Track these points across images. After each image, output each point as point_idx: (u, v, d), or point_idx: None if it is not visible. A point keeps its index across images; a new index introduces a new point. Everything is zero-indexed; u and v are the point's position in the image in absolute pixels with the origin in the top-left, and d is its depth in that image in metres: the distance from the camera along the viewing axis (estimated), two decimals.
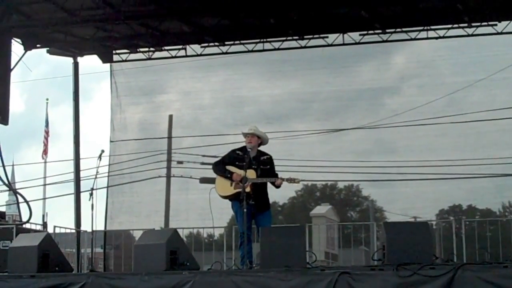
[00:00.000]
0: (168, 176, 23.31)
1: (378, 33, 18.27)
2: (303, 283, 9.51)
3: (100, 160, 13.19)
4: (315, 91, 21.99)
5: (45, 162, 31.72)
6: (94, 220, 12.81)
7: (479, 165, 19.96)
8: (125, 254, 18.92)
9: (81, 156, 20.21)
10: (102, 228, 19.96)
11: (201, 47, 19.46)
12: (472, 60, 20.02)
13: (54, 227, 17.76)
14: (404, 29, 18.15)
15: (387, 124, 21.03)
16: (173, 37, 19.04)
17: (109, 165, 21.06)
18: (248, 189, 11.45)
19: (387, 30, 18.19)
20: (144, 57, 20.14)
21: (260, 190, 11.78)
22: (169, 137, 23.63)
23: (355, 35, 18.45)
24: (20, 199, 17.18)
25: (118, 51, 20.17)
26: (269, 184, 11.87)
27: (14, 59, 17.93)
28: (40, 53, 19.80)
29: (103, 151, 13.33)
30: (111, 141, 21.73)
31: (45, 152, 31.41)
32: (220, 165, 12.07)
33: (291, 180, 11.69)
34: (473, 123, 20.05)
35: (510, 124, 19.66)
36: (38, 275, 11.10)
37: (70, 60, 20.31)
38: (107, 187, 21.31)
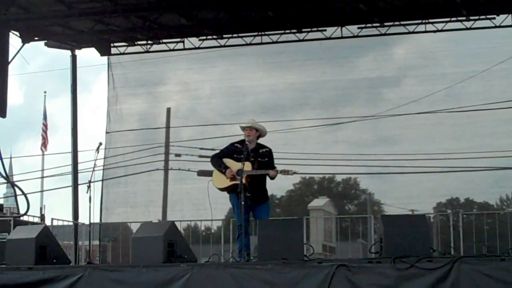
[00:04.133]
0: (166, 169, 23.28)
1: (376, 27, 18.28)
2: (300, 276, 9.52)
3: (98, 152, 13.22)
4: (313, 82, 21.97)
5: (43, 155, 31.73)
6: (91, 212, 12.82)
7: (477, 158, 19.97)
8: (122, 246, 18.93)
9: (79, 149, 20.24)
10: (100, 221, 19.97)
11: (199, 40, 19.46)
12: (471, 52, 20.04)
13: (52, 219, 17.81)
14: (402, 23, 18.16)
15: (385, 115, 21.03)
16: (171, 30, 19.04)
17: (105, 158, 21.03)
18: (244, 181, 11.46)
19: (386, 24, 18.19)
20: (142, 50, 20.14)
21: (257, 182, 11.76)
22: (166, 127, 23.61)
23: (353, 28, 18.45)
24: (18, 192, 17.19)
25: (116, 44, 20.16)
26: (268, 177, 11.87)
27: (12, 51, 17.94)
28: (38, 46, 19.82)
29: (100, 143, 13.37)
30: (107, 133, 21.74)
31: (44, 145, 31.40)
32: (217, 158, 12.08)
33: (285, 172, 11.68)
34: (471, 113, 20.07)
35: (507, 114, 19.70)
36: (36, 267, 11.10)
37: (68, 52, 20.31)
38: (104, 179, 21.29)
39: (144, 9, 17.59)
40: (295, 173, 11.77)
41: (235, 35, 19.19)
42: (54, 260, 11.50)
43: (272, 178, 11.76)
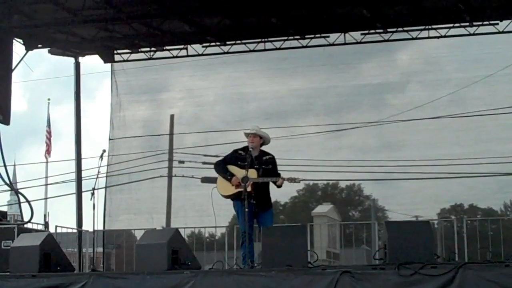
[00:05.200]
0: (170, 176, 23.28)
1: (379, 33, 18.27)
2: (304, 283, 9.51)
3: (102, 159, 13.22)
4: (316, 88, 21.99)
5: (47, 162, 31.73)
6: (95, 219, 12.83)
7: (481, 164, 19.95)
8: (126, 253, 18.93)
9: (83, 156, 20.23)
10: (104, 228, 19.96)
11: (203, 46, 19.47)
12: (474, 57, 20.05)
13: (56, 226, 17.81)
14: (405, 29, 18.15)
15: (389, 121, 21.04)
16: (174, 37, 19.04)
17: (108, 165, 20.99)
18: (249, 189, 11.45)
19: (389, 30, 18.19)
20: (146, 57, 20.15)
21: (261, 189, 11.76)
22: (170, 134, 23.64)
23: (356, 35, 18.45)
24: (22, 199, 17.18)
25: (119, 51, 20.18)
26: (271, 184, 11.86)
27: (15, 59, 17.95)
28: (41, 53, 19.83)
29: (104, 150, 13.37)
30: (110, 139, 21.75)
31: (48, 152, 31.40)
32: (222, 165, 12.04)
33: (291, 180, 11.67)
34: (475, 118, 20.09)
35: (511, 119, 19.71)
36: (40, 275, 11.09)
37: (71, 59, 20.32)
38: (108, 186, 21.29)
39: (148, 16, 17.59)
40: (302, 180, 11.78)
41: (239, 41, 19.20)
42: (58, 268, 11.50)
43: (279, 186, 11.76)
